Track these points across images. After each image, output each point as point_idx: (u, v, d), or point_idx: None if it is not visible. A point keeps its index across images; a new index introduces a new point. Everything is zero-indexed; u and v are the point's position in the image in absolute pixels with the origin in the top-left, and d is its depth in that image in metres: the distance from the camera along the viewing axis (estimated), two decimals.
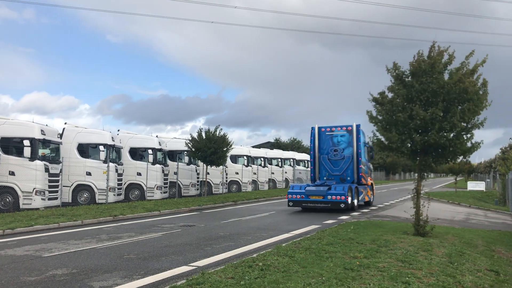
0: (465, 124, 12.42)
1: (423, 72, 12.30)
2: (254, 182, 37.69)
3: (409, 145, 12.89)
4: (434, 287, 7.16)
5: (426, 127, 12.36)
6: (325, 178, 23.37)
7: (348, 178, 23.04)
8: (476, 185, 45.32)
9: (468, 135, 12.56)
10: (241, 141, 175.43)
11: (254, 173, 37.68)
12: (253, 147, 47.24)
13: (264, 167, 40.02)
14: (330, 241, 11.28)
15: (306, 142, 69.61)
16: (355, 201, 22.41)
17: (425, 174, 16.21)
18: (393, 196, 34.81)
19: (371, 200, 26.30)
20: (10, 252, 10.48)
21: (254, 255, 9.63)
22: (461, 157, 13.35)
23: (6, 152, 19.23)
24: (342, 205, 20.83)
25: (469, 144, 12.66)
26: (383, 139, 13.41)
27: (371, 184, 26.42)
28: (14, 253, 10.35)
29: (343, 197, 20.86)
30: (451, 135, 12.46)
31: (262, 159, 40.19)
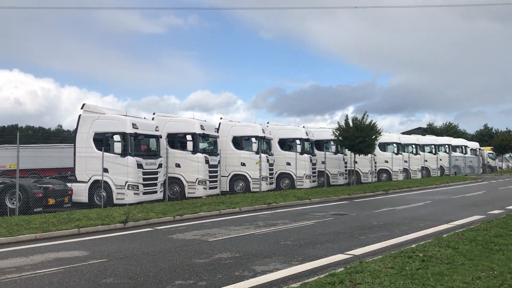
0: None
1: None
2: (405, 170, 36.04)
3: None
4: None
5: None
6: None
7: None
8: None
9: None
10: (392, 128, 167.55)
11: (405, 161, 36.00)
12: (402, 133, 45.19)
13: (415, 154, 37.99)
14: (498, 233, 10.29)
15: (463, 127, 64.05)
16: None
17: None
18: None
19: None
20: (181, 236, 11.65)
21: (413, 246, 9.25)
22: None
23: (172, 146, 21.39)
24: None
25: None
26: None
27: None
28: (184, 237, 11.49)
29: None
30: None
31: (413, 146, 38.17)
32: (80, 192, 18.08)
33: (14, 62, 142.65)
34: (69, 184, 18.10)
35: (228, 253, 9.32)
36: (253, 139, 24.10)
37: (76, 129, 19.09)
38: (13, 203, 15.52)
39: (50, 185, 17.11)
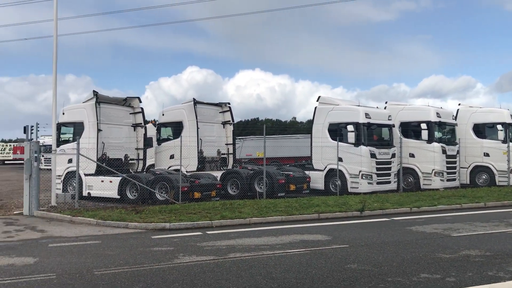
0: None
1: None
2: None
3: None
4: None
5: None
6: None
7: None
8: None
9: None
10: None
11: None
12: None
13: None
14: None
15: None
16: None
17: None
18: None
19: None
20: (420, 229, 11.19)
21: None
22: None
23: (405, 135, 20.69)
24: None
25: None
26: None
27: None
28: (424, 230, 11.01)
29: None
30: None
31: None
32: (317, 180, 19.12)
33: (256, 62, 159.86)
34: (306, 172, 19.33)
35: (477, 251, 8.54)
36: (499, 126, 21.49)
37: (313, 120, 20.19)
38: (260, 188, 17.40)
39: (291, 173, 18.57)
